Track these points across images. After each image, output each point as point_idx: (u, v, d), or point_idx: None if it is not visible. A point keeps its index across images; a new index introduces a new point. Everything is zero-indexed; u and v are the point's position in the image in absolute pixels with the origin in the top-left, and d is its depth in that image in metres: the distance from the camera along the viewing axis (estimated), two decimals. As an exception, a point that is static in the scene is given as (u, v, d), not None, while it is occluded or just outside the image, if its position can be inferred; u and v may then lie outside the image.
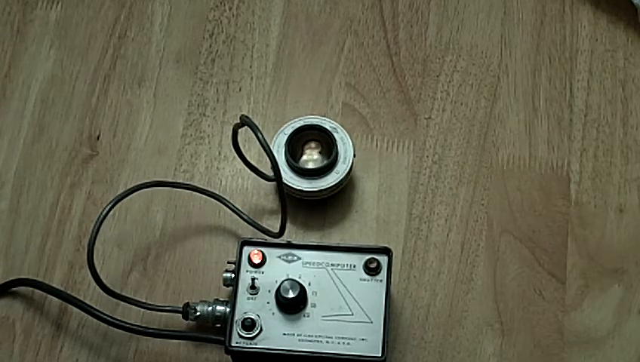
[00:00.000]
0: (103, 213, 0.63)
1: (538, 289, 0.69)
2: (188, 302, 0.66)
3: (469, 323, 0.68)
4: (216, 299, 0.66)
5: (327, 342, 0.62)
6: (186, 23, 0.80)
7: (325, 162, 0.70)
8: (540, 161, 0.74)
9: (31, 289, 0.70)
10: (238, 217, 0.71)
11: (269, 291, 0.64)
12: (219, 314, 0.65)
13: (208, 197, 0.72)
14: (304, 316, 0.63)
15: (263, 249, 0.65)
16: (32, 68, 0.79)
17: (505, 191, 0.73)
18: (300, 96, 0.77)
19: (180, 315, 0.66)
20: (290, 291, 0.62)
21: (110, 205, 0.64)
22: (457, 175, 0.74)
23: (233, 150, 0.68)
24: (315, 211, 0.72)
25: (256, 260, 0.64)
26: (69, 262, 0.71)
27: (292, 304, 0.63)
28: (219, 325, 0.65)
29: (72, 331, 0.69)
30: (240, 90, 0.78)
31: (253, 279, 0.64)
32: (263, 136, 0.62)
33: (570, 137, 0.75)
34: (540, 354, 0.67)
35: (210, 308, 0.65)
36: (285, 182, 0.68)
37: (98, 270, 0.63)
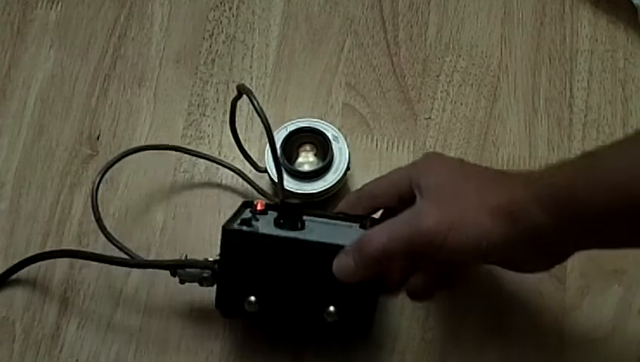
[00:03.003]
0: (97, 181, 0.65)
1: (538, 289, 0.69)
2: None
3: (469, 323, 0.68)
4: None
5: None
6: (186, 23, 0.80)
7: (316, 167, 0.70)
8: (540, 161, 0.74)
9: (31, 288, 0.70)
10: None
11: (269, 221, 0.63)
12: (206, 274, 0.63)
13: (208, 197, 0.72)
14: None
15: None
16: (32, 68, 0.79)
17: (505, 191, 0.73)
18: (299, 96, 0.77)
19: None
20: (293, 201, 0.62)
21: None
22: (457, 175, 0.74)
23: (229, 129, 0.67)
24: (315, 211, 0.73)
25: (260, 207, 0.63)
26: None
27: (293, 212, 0.62)
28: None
29: (72, 331, 0.69)
30: (240, 90, 0.78)
31: (252, 217, 0.63)
32: (258, 102, 0.61)
33: (570, 137, 0.75)
34: (540, 354, 0.67)
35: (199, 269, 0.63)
36: (273, 178, 0.69)
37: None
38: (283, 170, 0.70)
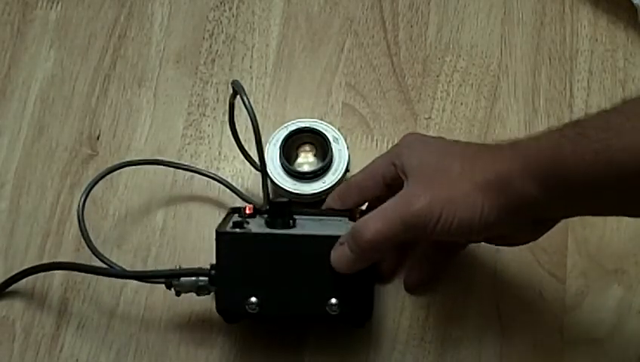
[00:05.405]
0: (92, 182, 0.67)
1: (538, 289, 0.69)
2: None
3: (469, 324, 0.68)
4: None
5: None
6: (186, 23, 0.80)
7: (315, 168, 0.70)
8: (540, 161, 0.74)
9: (31, 288, 0.70)
10: (238, 217, 0.71)
11: (260, 223, 0.63)
12: (202, 283, 0.63)
13: (208, 197, 0.72)
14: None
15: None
16: (32, 68, 0.79)
17: (505, 191, 0.73)
18: (299, 96, 0.77)
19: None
20: (282, 200, 0.62)
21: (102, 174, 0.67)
22: (457, 175, 0.73)
23: (228, 127, 0.67)
24: (315, 211, 0.73)
25: (248, 211, 0.64)
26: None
27: (282, 210, 0.62)
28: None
29: (72, 331, 0.69)
30: (240, 90, 0.78)
31: (243, 221, 0.62)
32: (249, 99, 0.61)
33: (570, 137, 0.75)
34: (540, 354, 0.67)
35: (194, 278, 0.63)
36: (272, 177, 0.69)
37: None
38: (282, 169, 0.70)
